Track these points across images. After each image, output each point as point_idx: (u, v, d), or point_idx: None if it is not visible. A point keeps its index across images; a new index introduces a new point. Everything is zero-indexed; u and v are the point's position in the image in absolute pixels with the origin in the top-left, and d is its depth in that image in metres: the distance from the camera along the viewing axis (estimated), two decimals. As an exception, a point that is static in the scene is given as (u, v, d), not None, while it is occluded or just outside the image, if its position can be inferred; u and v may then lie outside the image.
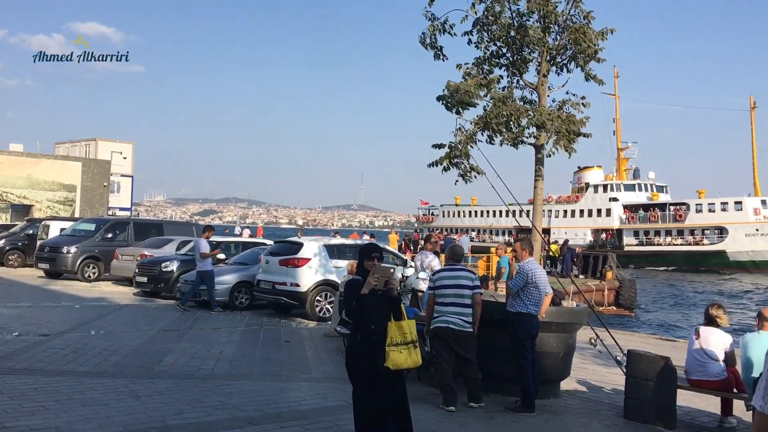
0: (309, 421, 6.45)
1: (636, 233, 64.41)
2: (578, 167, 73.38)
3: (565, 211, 70.05)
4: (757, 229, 56.93)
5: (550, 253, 31.12)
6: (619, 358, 8.33)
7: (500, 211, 73.10)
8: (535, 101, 9.72)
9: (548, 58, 9.47)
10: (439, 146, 9.61)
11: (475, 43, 9.67)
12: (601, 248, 64.21)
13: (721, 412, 7.42)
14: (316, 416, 6.63)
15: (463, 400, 7.34)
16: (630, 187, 68.34)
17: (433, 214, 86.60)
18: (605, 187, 68.31)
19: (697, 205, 61.75)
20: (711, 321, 7.28)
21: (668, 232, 62.58)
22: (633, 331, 19.39)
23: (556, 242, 48.01)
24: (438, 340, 7.49)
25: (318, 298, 14.27)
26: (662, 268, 59.26)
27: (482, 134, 9.32)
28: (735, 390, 7.12)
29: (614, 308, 27.01)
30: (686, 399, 7.91)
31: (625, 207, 66.38)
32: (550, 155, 9.34)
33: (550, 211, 70.00)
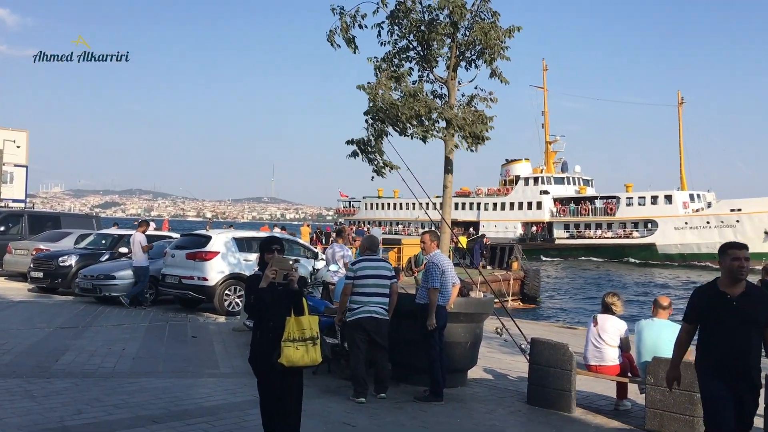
0: (216, 417, 6.32)
1: (566, 226, 64.71)
2: (506, 160, 73.28)
3: (495, 204, 69.64)
4: (686, 223, 57.65)
5: (459, 245, 31.78)
6: (523, 346, 8.62)
7: (426, 204, 72.67)
8: (446, 95, 9.87)
9: (457, 53, 9.63)
10: (352, 142, 9.60)
11: (385, 40, 9.71)
12: (532, 241, 64.72)
13: (617, 396, 7.81)
14: (224, 412, 6.51)
15: (371, 391, 7.38)
16: (559, 180, 68.40)
17: (353, 206, 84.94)
18: (536, 179, 68.04)
19: (627, 198, 62.30)
20: (607, 309, 7.65)
21: (598, 225, 63.09)
22: (536, 320, 20.14)
23: (465, 234, 48.98)
24: (358, 331, 7.45)
25: (227, 292, 13.99)
26: (594, 259, 59.84)
27: (393, 128, 9.38)
28: (629, 374, 7.51)
29: (519, 303, 27.89)
30: (585, 384, 8.28)
31: (556, 200, 66.52)
32: (452, 150, 9.49)
33: (479, 204, 70.39)
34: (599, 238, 62.50)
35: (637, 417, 7.20)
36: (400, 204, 76.61)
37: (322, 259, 14.00)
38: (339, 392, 7.65)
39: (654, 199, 60.49)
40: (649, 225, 59.84)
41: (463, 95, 9.92)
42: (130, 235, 15.34)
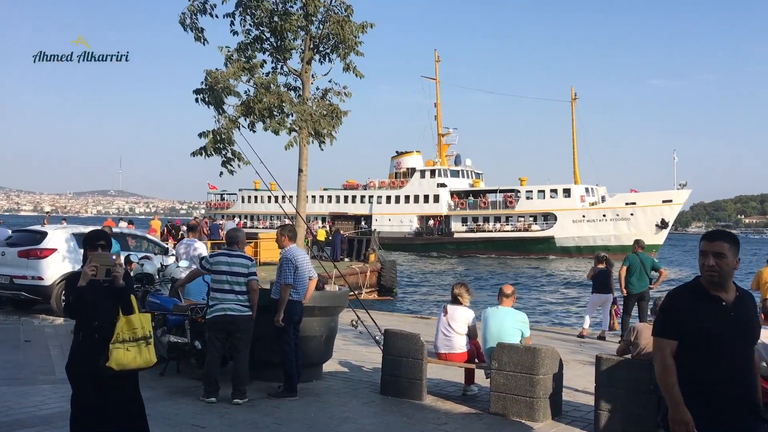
0: (51, 426, 5.90)
1: (464, 220, 63.24)
2: (396, 152, 71.44)
3: (389, 197, 67.00)
4: (583, 216, 57.85)
5: (319, 239, 31.87)
6: (377, 337, 8.76)
7: (312, 197, 68.32)
8: (300, 88, 9.80)
9: (311, 46, 9.59)
10: (204, 134, 9.27)
11: (237, 29, 9.46)
12: (429, 235, 63.48)
13: (465, 382, 8.16)
14: (60, 420, 6.05)
15: (227, 395, 7.15)
16: (455, 173, 66.87)
17: (224, 199, 78.97)
18: (432, 172, 65.98)
19: (527, 192, 61.38)
20: (455, 299, 7.96)
21: (497, 219, 62.10)
22: (392, 311, 20.60)
23: (323, 227, 49.05)
24: (214, 329, 7.21)
25: (65, 292, 13.03)
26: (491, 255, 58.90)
27: (245, 120, 9.17)
28: (476, 361, 7.87)
29: (376, 294, 28.40)
30: (436, 371, 8.57)
31: (453, 193, 64.89)
32: (305, 144, 9.42)
33: (371, 197, 67.71)
34: (498, 231, 61.70)
35: (483, 401, 7.55)
36: (282, 197, 72.63)
37: (173, 254, 13.45)
38: (188, 393, 7.38)
39: (553, 193, 60.22)
40: (548, 218, 59.65)
41: (317, 88, 9.90)
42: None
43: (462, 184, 66.48)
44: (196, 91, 9.03)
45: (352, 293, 10.39)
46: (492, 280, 37.24)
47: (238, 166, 9.40)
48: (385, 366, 7.85)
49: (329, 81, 9.94)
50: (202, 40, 9.31)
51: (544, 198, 60.56)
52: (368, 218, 66.73)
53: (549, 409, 6.94)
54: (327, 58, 9.78)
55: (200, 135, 9.30)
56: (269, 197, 71.21)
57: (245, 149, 9.37)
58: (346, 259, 31.49)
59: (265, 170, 9.51)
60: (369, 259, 30.68)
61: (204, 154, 9.20)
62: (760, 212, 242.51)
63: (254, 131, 9.15)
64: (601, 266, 13.35)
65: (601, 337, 13.05)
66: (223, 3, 9.19)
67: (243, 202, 75.16)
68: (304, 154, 9.68)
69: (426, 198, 65.02)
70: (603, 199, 60.38)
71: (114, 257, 4.57)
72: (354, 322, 9.66)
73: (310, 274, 7.73)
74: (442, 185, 64.78)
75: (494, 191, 64.37)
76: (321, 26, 9.45)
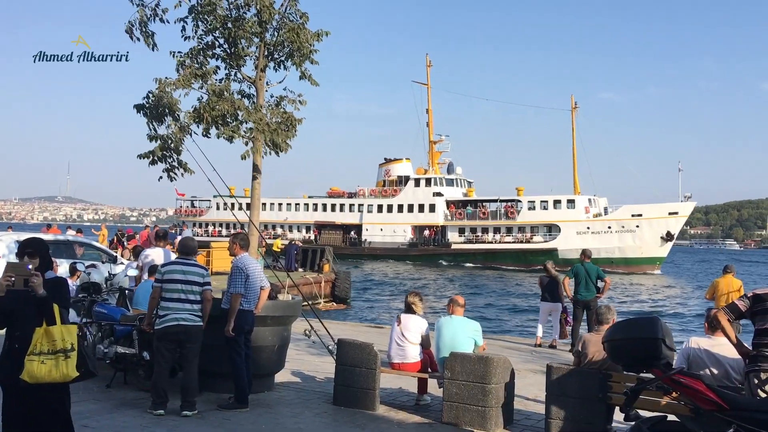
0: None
1: (462, 230, 60.78)
2: (384, 159, 68.48)
3: (381, 206, 63.87)
4: (588, 227, 56.07)
5: (273, 248, 31.55)
6: (330, 347, 8.70)
7: (296, 204, 67.13)
8: (254, 95, 9.70)
9: (266, 53, 9.50)
10: (154, 138, 9.08)
11: (190, 35, 9.33)
12: (424, 246, 60.38)
13: (418, 391, 8.16)
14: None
15: (176, 407, 6.99)
16: (450, 182, 63.98)
17: (194, 206, 74.77)
18: (428, 181, 62.95)
19: (529, 202, 59.29)
20: (409, 308, 7.96)
21: (496, 230, 59.68)
22: (345, 320, 20.52)
23: (278, 237, 48.61)
24: (164, 340, 7.02)
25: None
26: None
27: (198, 126, 9.02)
28: (429, 370, 7.88)
29: (333, 304, 28.27)
30: (389, 381, 8.55)
31: (450, 203, 62.14)
32: (259, 152, 9.32)
33: (362, 205, 64.70)
34: (499, 243, 59.04)
35: (435, 410, 7.55)
36: (262, 204, 67.49)
37: (122, 263, 13.14)
38: (136, 405, 7.19)
39: (557, 203, 58.17)
40: (552, 229, 57.52)
41: (272, 96, 9.82)
42: None
43: (456, 193, 64.02)
44: (137, 107, 8.87)
45: (305, 303, 10.31)
46: (492, 290, 37.05)
47: (182, 174, 9.23)
48: (338, 376, 7.79)
49: (284, 89, 9.88)
50: (152, 46, 9.14)
51: (547, 209, 58.49)
52: (358, 228, 63.95)
53: (501, 417, 7.00)
54: (282, 66, 9.71)
55: (149, 137, 9.11)
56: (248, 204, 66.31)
57: (197, 156, 9.22)
58: (301, 269, 31.33)
59: (218, 177, 9.33)
60: (323, 269, 30.57)
61: (151, 157, 9.00)
62: (705, 223, 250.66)
63: (208, 137, 9.01)
64: (550, 275, 13.64)
65: (553, 346, 13.26)
66: (175, 8, 9.06)
67: (218, 209, 69.29)
68: (259, 161, 9.57)
69: (421, 207, 62.18)
70: (606, 210, 58.94)
71: (30, 266, 4.40)
72: (307, 332, 9.58)
73: (262, 283, 7.64)
74: (438, 194, 62.13)
75: (494, 201, 62.12)
76: (276, 33, 9.38)
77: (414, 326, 7.83)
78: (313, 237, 65.09)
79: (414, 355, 7.78)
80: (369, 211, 64.31)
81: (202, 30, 9.30)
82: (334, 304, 28.45)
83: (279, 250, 33.65)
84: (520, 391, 7.83)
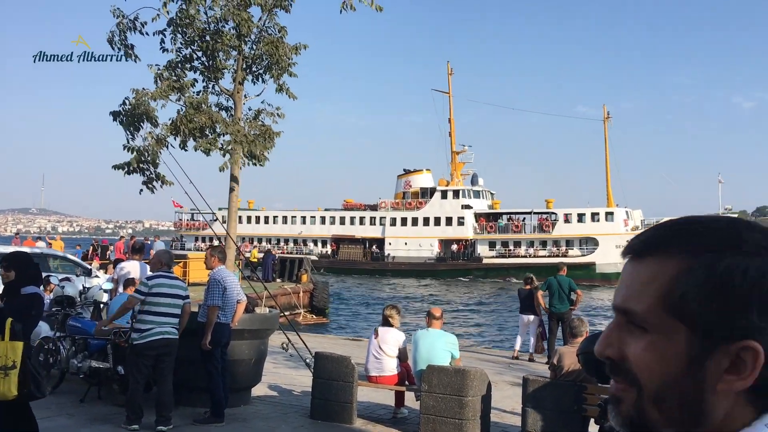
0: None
1: (492, 244, 57.27)
2: (404, 170, 64.65)
3: (405, 219, 59.95)
4: (627, 241, 55.01)
5: (251, 259, 31.40)
6: (308, 360, 8.67)
7: (311, 217, 63.60)
8: (232, 108, 9.70)
9: (244, 66, 9.52)
10: (131, 149, 9.04)
11: (168, 47, 9.32)
12: (453, 260, 56.81)
13: (395, 404, 8.15)
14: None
15: (151, 422, 6.91)
16: (476, 194, 60.50)
17: (194, 219, 68.77)
18: (456, 193, 59.46)
19: (566, 214, 56.21)
20: (386, 321, 7.97)
21: (530, 243, 56.58)
22: (324, 333, 20.45)
23: (256, 247, 48.25)
24: (144, 356, 6.89)
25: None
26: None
27: (175, 139, 9.00)
28: (407, 383, 7.89)
29: (312, 316, 28.13)
30: (367, 394, 8.53)
31: (479, 216, 58.78)
32: (237, 164, 9.32)
33: (383, 218, 61.03)
34: (533, 257, 55.13)
35: (413, 423, 7.56)
36: (274, 217, 64.32)
37: (96, 276, 13.00)
38: (110, 420, 7.10)
39: (595, 216, 55.18)
40: (588, 243, 54.42)
41: (249, 109, 9.83)
42: None
43: (482, 205, 60.59)
44: (114, 114, 8.83)
45: (282, 315, 10.27)
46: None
47: (161, 186, 9.18)
48: (315, 389, 7.77)
49: (262, 102, 9.90)
50: (133, 57, 9.12)
51: (584, 222, 55.39)
52: (380, 242, 60.49)
53: (478, 430, 7.01)
54: (260, 79, 9.73)
55: (125, 148, 9.06)
56: (258, 218, 64.10)
57: (174, 168, 9.18)
58: (278, 280, 31.17)
59: (194, 189, 9.30)
60: (301, 279, 30.45)
61: (127, 168, 8.95)
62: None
63: (186, 150, 8.98)
64: (528, 288, 13.74)
65: (530, 359, 13.35)
66: (153, 21, 9.05)
67: (224, 222, 66.40)
68: (236, 173, 9.56)
69: (449, 220, 58.34)
70: (643, 223, 55.35)
71: None
72: (284, 345, 9.55)
73: (239, 296, 7.60)
74: (467, 207, 58.56)
75: (527, 213, 58.91)
76: (254, 47, 9.41)
77: (391, 339, 7.83)
78: (330, 251, 61.61)
79: (391, 368, 7.78)
80: (392, 225, 60.42)
81: (181, 42, 9.30)
82: (313, 316, 28.33)
83: (256, 260, 33.50)
84: (496, 403, 7.86)
